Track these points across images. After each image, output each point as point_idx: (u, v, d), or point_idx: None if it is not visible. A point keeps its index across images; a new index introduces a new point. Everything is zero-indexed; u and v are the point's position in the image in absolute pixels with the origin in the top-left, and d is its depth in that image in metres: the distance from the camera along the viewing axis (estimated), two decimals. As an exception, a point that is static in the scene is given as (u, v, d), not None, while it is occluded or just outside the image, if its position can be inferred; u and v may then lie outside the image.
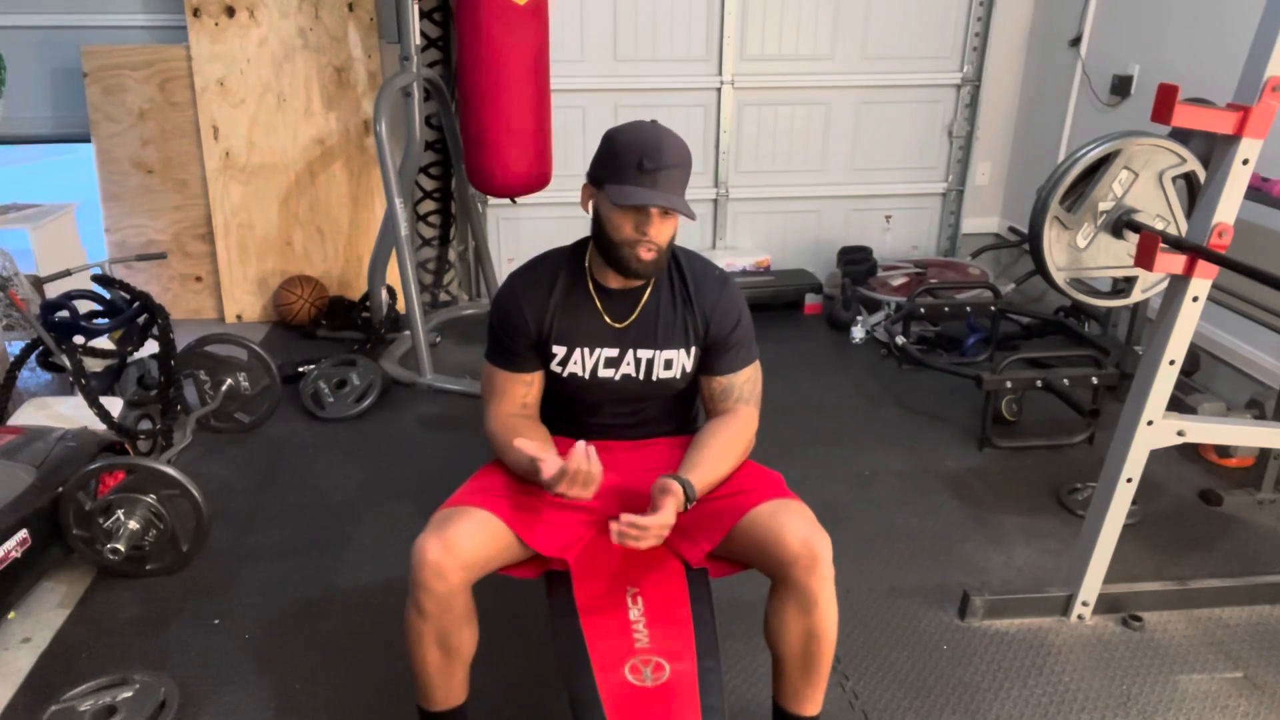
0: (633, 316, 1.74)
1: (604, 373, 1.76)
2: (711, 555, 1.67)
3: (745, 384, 1.79)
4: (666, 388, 1.79)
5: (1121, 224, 2.25)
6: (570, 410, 1.85)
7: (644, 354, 1.75)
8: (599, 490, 1.73)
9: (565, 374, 1.76)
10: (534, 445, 1.59)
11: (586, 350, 1.74)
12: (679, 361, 1.76)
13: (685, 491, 1.60)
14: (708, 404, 1.82)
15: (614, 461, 1.78)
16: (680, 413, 1.89)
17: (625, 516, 1.51)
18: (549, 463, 1.56)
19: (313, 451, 3.08)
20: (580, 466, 1.54)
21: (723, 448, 1.71)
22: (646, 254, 1.63)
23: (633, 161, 1.58)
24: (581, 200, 1.71)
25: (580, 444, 1.55)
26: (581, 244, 1.78)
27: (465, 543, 1.54)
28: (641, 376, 1.76)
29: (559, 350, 1.75)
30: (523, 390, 1.78)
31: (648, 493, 1.63)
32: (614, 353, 1.75)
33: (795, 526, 1.55)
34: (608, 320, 1.74)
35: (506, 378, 1.78)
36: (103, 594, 2.34)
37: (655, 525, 1.53)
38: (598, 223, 1.68)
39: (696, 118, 4.39)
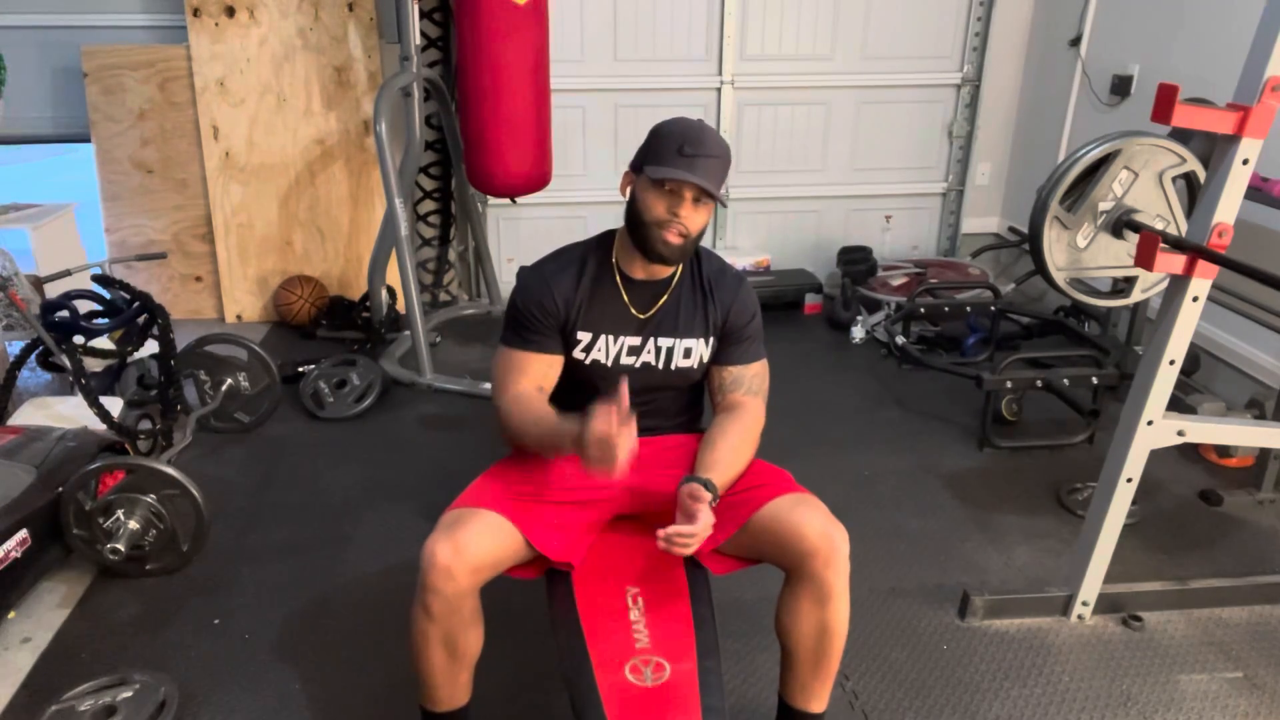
0: (656, 307, 1.78)
1: (626, 360, 1.79)
2: (718, 550, 1.68)
3: (754, 377, 1.83)
4: (683, 377, 1.82)
5: (1121, 224, 2.26)
6: (584, 400, 1.84)
7: (665, 342, 1.79)
8: (613, 489, 1.73)
9: (588, 361, 1.78)
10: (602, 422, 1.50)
11: (610, 338, 1.77)
12: (697, 351, 1.80)
13: (712, 493, 1.61)
14: (715, 394, 1.85)
15: (634, 460, 1.78)
16: (690, 407, 1.91)
17: (673, 528, 1.52)
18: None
19: (313, 451, 3.08)
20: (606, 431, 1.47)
21: (736, 443, 1.73)
22: (674, 237, 1.67)
23: (674, 147, 1.65)
24: (620, 186, 1.76)
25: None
26: (607, 236, 1.82)
27: (475, 545, 1.54)
28: (661, 365, 1.79)
29: (584, 336, 1.77)
30: (542, 370, 1.78)
31: (663, 491, 1.65)
32: (636, 341, 1.78)
33: (814, 520, 1.57)
34: (632, 310, 1.78)
35: (527, 358, 1.77)
36: (103, 594, 2.34)
37: (701, 531, 1.54)
38: (632, 205, 1.72)
39: (696, 118, 4.38)
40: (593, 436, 1.47)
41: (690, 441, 1.82)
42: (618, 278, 1.78)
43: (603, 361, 1.78)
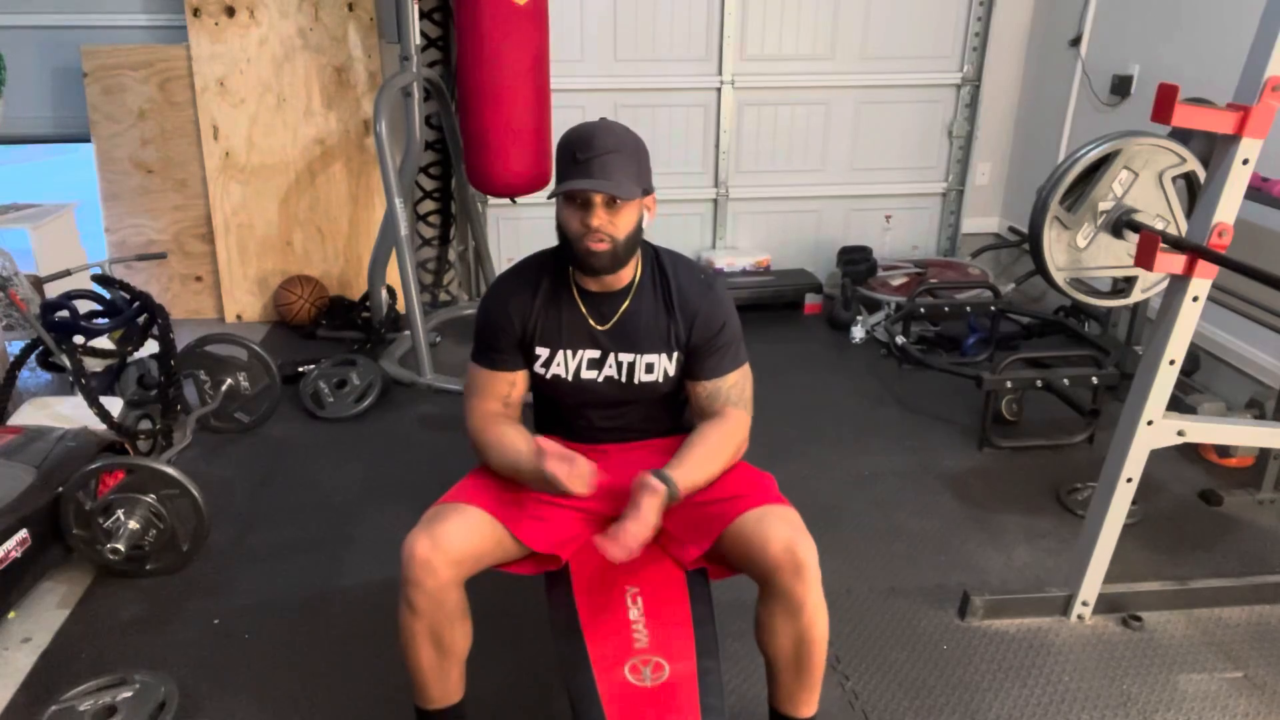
0: (615, 319, 1.74)
1: (587, 374, 1.76)
2: (707, 558, 1.67)
3: (733, 388, 1.78)
4: (648, 391, 1.78)
5: (1121, 224, 2.25)
6: (555, 411, 1.86)
7: (625, 358, 1.75)
8: (593, 489, 1.73)
9: (549, 375, 1.77)
10: (552, 445, 1.61)
11: (569, 352, 1.75)
12: (660, 366, 1.76)
13: (669, 488, 1.60)
14: (696, 411, 1.81)
15: (606, 463, 1.77)
16: (667, 417, 1.88)
17: (610, 531, 1.52)
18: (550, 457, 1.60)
19: (313, 451, 3.08)
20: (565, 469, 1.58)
21: (711, 448, 1.70)
22: (596, 245, 1.62)
23: (569, 157, 1.61)
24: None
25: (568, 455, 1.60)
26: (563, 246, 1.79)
27: (454, 539, 1.55)
28: (623, 379, 1.76)
29: (542, 351, 1.75)
30: (505, 389, 1.78)
31: None
32: (596, 354, 1.75)
33: (779, 533, 1.54)
34: (591, 322, 1.74)
35: (490, 376, 1.78)
36: (103, 594, 2.34)
37: (637, 530, 1.53)
38: (558, 227, 1.69)
39: (696, 118, 4.39)
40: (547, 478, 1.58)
41: (672, 444, 1.80)
42: (574, 290, 1.75)
43: (563, 376, 1.76)
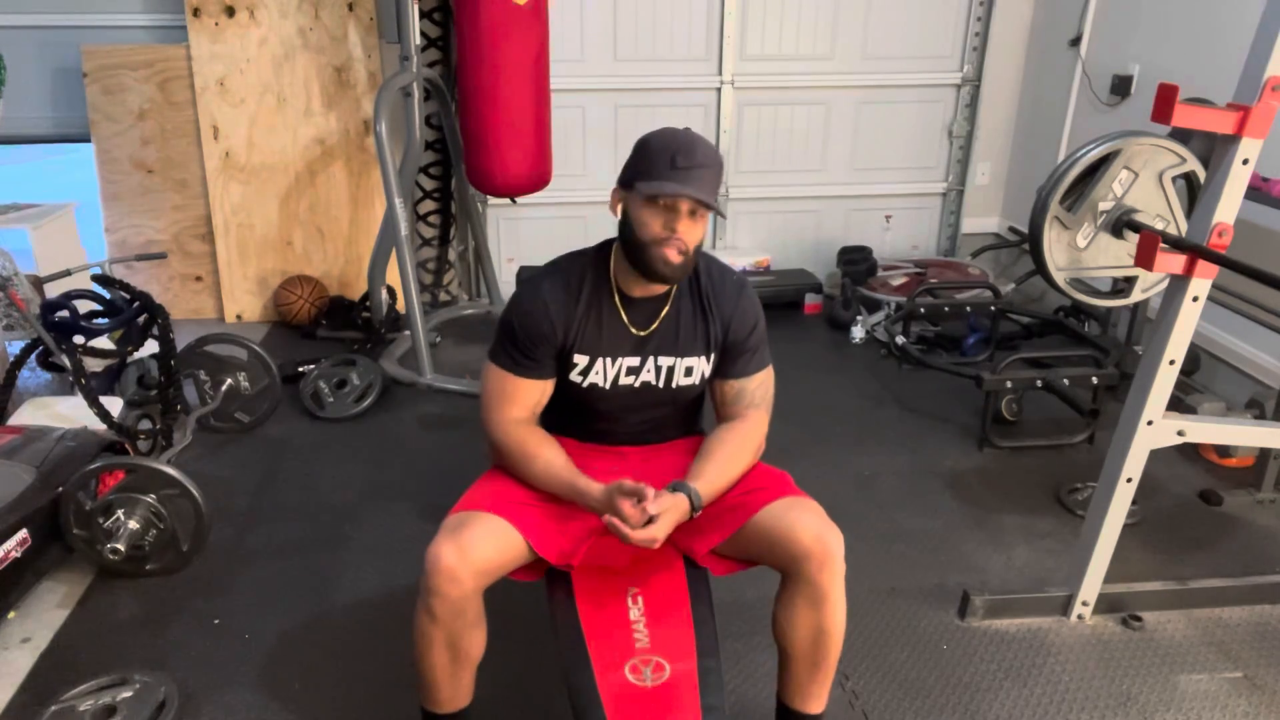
0: (654, 324, 1.73)
1: (625, 381, 1.75)
2: (717, 552, 1.67)
3: (758, 389, 1.78)
4: (684, 394, 1.79)
5: (1121, 224, 2.26)
6: (581, 416, 1.83)
7: (665, 361, 1.74)
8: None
9: (585, 384, 1.74)
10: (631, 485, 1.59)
11: (609, 360, 1.72)
12: (699, 368, 1.76)
13: (691, 500, 1.60)
14: (719, 408, 1.81)
15: (627, 467, 1.77)
16: (689, 419, 1.89)
17: (617, 520, 1.53)
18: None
19: (313, 451, 3.08)
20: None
21: (731, 454, 1.70)
22: (675, 255, 1.60)
23: (665, 160, 1.57)
24: (611, 204, 1.68)
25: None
26: (604, 250, 1.75)
27: (480, 548, 1.53)
28: (661, 384, 1.76)
29: (581, 360, 1.72)
30: (536, 396, 1.75)
31: None
32: (635, 361, 1.74)
33: (809, 523, 1.56)
34: (631, 329, 1.72)
35: (521, 384, 1.73)
36: (103, 594, 2.34)
37: (641, 537, 1.53)
38: (627, 225, 1.65)
39: (696, 118, 4.39)
40: (614, 526, 1.55)
41: (690, 445, 1.81)
42: (616, 297, 1.72)
43: (601, 385, 1.74)
